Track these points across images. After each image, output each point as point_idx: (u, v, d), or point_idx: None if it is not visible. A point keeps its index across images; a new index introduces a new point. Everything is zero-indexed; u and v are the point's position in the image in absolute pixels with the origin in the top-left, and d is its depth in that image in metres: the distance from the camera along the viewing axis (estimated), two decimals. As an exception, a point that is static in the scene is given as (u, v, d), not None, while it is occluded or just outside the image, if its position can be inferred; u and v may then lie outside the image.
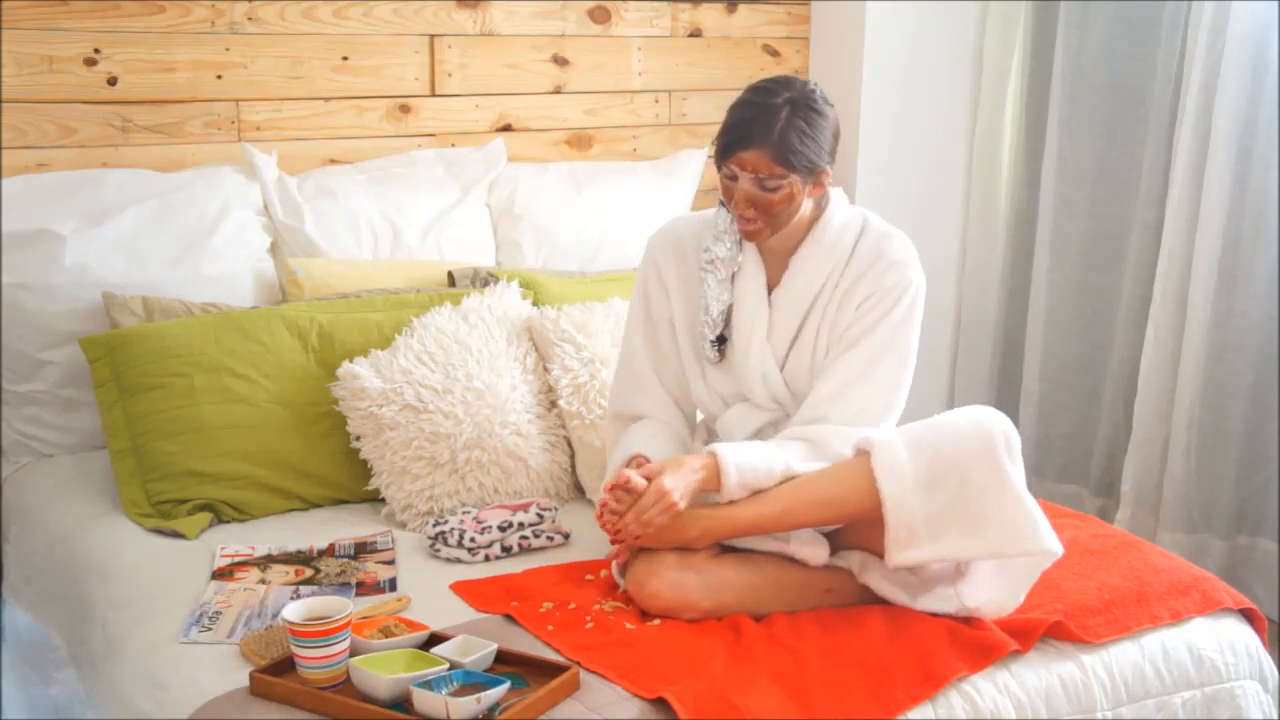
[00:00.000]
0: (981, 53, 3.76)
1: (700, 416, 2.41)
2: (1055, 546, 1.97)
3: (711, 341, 2.23)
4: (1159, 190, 3.34)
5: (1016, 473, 1.98)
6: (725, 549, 2.11)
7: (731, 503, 2.07)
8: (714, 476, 2.05)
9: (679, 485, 2.00)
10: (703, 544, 2.06)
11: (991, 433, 1.98)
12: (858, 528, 2.08)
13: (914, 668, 1.90)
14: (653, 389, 2.31)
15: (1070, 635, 2.02)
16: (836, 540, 2.11)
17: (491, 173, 3.21)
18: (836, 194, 2.22)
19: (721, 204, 2.20)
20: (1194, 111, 3.15)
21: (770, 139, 2.03)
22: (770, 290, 2.22)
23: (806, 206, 2.14)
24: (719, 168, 2.11)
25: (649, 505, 1.99)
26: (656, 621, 2.01)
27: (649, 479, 2.01)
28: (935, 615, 2.03)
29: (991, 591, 2.02)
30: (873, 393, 2.16)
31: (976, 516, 1.95)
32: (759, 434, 2.25)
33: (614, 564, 2.15)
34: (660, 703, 1.79)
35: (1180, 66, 3.27)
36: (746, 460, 2.05)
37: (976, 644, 1.95)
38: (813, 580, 2.08)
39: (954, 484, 1.96)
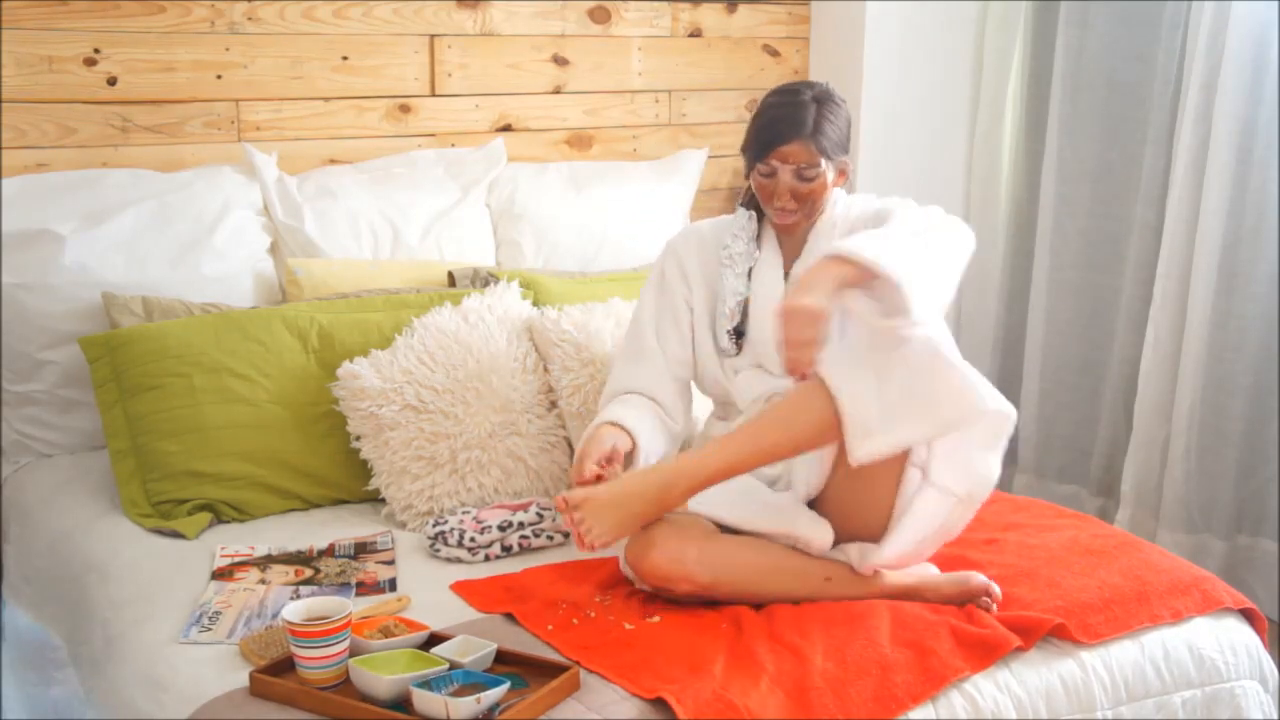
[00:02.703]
0: (981, 53, 3.77)
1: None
2: (1003, 406, 2.01)
3: (729, 332, 2.33)
4: (1159, 190, 3.35)
5: (949, 347, 2.00)
6: (726, 531, 2.13)
7: (687, 453, 2.12)
8: (848, 274, 1.98)
9: (818, 296, 1.95)
10: (684, 499, 2.05)
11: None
12: (852, 518, 2.09)
13: (915, 667, 1.89)
14: (654, 360, 2.37)
15: (1070, 637, 2.02)
16: (836, 534, 2.12)
17: (491, 173, 3.21)
18: (838, 189, 2.37)
19: (742, 207, 2.38)
20: (1194, 111, 3.15)
21: (807, 130, 2.21)
22: (788, 270, 2.34)
23: (831, 194, 2.31)
24: (753, 167, 2.26)
25: (800, 326, 1.94)
26: (657, 619, 2.01)
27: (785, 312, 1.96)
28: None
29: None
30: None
31: (926, 398, 1.97)
32: (771, 397, 2.26)
33: (621, 559, 2.16)
34: (660, 703, 1.79)
35: (1180, 66, 3.28)
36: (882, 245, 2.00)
37: (978, 643, 1.95)
38: (812, 567, 2.09)
39: (899, 373, 1.98)
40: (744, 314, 2.34)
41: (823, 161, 2.22)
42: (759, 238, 2.37)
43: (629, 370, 2.39)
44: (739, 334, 2.34)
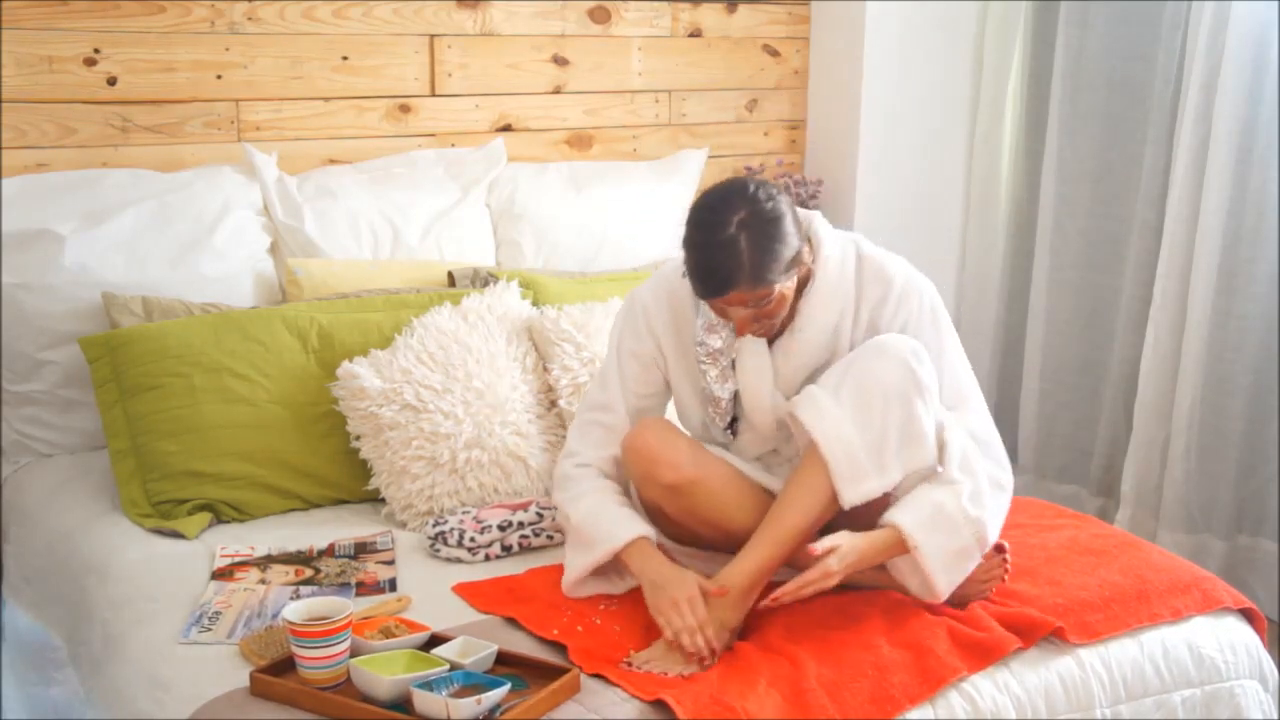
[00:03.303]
0: (981, 53, 3.76)
1: None
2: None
3: (724, 428, 2.23)
4: (1159, 190, 3.35)
5: (927, 372, 2.02)
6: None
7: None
8: (885, 550, 2.02)
9: (846, 561, 1.97)
10: (741, 610, 2.01)
11: (898, 348, 2.02)
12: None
13: (912, 668, 1.90)
14: (618, 419, 2.22)
15: (1068, 638, 2.03)
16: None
17: (491, 173, 3.21)
18: (818, 222, 2.17)
19: None
20: (1194, 111, 3.15)
21: (743, 276, 1.96)
22: (772, 341, 2.16)
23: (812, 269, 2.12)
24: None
25: (813, 580, 1.95)
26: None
27: (823, 553, 1.96)
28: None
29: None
30: (952, 381, 2.16)
31: (911, 431, 2.00)
32: (767, 456, 2.25)
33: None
34: (659, 705, 1.79)
35: (1180, 66, 3.28)
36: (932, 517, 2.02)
37: (976, 645, 1.95)
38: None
39: (880, 406, 1.99)
40: (735, 400, 2.20)
41: (776, 287, 1.99)
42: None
43: (593, 436, 2.23)
44: (734, 421, 2.22)
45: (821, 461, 2.00)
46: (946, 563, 2.01)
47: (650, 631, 2.01)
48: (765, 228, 1.97)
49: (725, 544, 2.10)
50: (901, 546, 2.01)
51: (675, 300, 2.21)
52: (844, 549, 1.96)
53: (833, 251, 2.14)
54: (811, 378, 2.15)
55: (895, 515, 2.01)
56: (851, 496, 2.00)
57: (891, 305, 2.14)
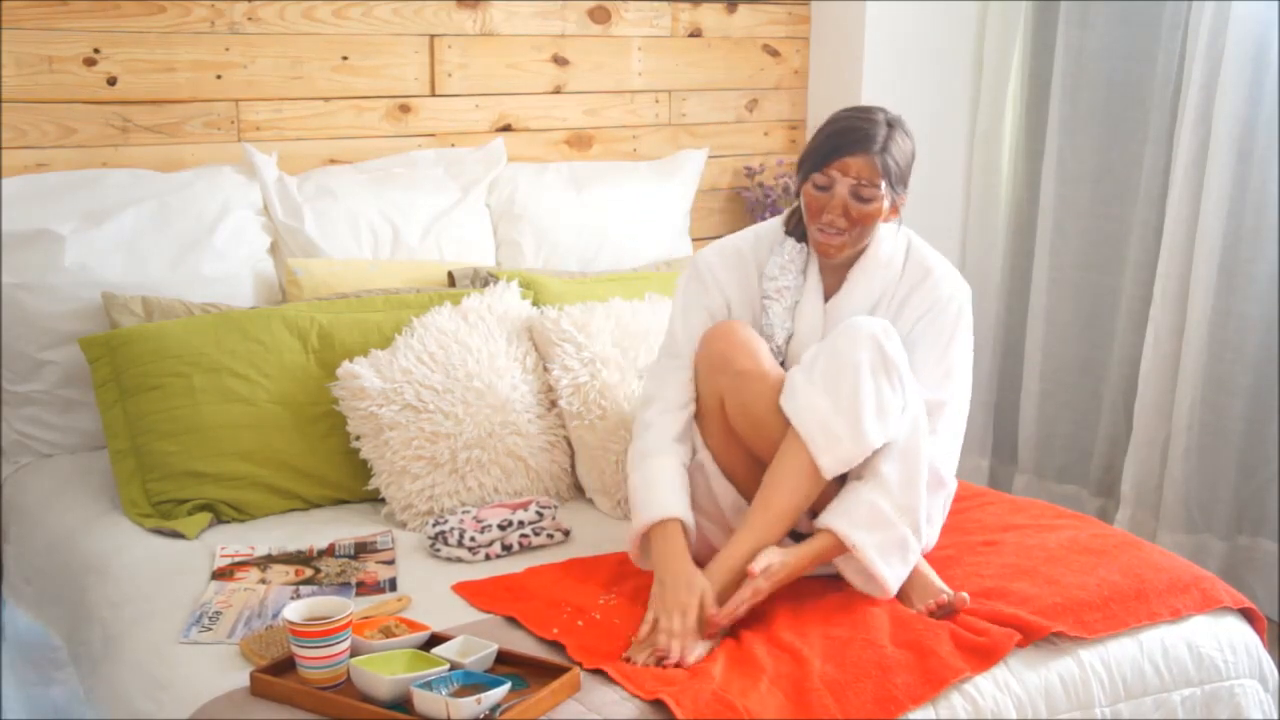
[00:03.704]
0: (981, 53, 3.77)
1: None
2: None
3: None
4: (1159, 190, 3.35)
5: (895, 348, 2.09)
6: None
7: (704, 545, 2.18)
8: (821, 554, 2.07)
9: (773, 579, 2.03)
10: (725, 596, 2.04)
11: (869, 326, 2.10)
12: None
13: (915, 668, 1.89)
14: (686, 371, 2.27)
15: (1068, 635, 2.02)
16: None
17: (491, 173, 3.21)
18: None
19: (789, 234, 2.30)
20: (1194, 111, 3.15)
21: (876, 147, 2.16)
22: (826, 299, 2.29)
23: (879, 229, 2.24)
24: (807, 178, 2.19)
25: (744, 599, 2.00)
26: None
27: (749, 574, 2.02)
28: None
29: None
30: (941, 375, 2.24)
31: (880, 403, 2.06)
32: None
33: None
34: (660, 704, 1.79)
35: (1180, 66, 3.28)
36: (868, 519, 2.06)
37: (977, 646, 1.95)
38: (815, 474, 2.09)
39: (851, 378, 2.05)
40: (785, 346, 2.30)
41: (883, 185, 2.15)
42: (805, 270, 2.29)
43: (674, 378, 2.26)
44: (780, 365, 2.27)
45: (798, 439, 2.06)
46: (888, 557, 2.05)
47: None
48: (904, 135, 2.22)
49: (764, 454, 2.15)
50: (839, 549, 2.06)
51: (742, 258, 2.33)
52: (773, 566, 2.02)
53: (888, 235, 2.28)
54: None
55: (829, 519, 2.07)
56: (829, 464, 2.06)
57: (923, 290, 2.26)
